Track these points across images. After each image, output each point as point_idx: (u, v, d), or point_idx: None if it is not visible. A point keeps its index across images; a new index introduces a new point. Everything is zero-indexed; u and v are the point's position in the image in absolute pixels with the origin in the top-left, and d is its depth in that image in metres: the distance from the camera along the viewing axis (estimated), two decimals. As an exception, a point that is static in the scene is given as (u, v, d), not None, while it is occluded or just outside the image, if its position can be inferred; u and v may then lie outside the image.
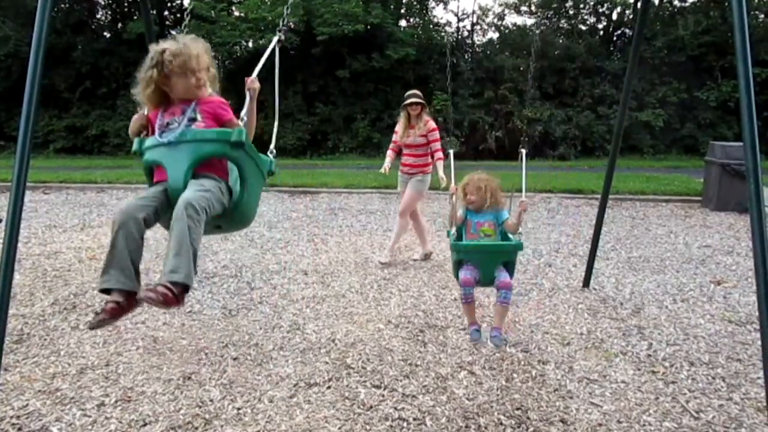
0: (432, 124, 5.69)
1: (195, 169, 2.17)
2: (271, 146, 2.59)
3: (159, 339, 3.87)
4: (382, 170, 5.73)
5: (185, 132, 2.17)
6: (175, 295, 1.88)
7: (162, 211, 2.13)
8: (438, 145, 5.64)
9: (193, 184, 2.10)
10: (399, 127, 5.79)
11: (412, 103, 5.58)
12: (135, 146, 2.28)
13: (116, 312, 1.95)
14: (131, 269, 1.99)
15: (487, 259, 3.28)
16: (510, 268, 3.37)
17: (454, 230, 3.52)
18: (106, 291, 2.00)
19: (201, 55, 2.25)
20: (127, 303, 1.98)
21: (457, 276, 3.43)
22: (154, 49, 2.21)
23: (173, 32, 22.20)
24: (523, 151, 3.95)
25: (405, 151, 5.76)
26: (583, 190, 10.41)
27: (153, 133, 2.24)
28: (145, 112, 2.30)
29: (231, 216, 2.33)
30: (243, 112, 2.42)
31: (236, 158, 2.25)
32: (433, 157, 5.68)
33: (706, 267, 5.77)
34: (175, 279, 1.90)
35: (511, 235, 3.47)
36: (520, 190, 3.65)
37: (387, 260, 5.76)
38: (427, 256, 5.95)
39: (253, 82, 2.42)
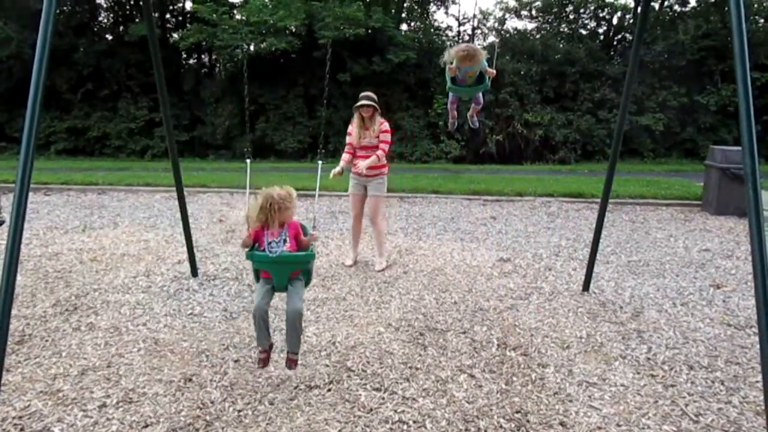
0: (385, 126, 5.57)
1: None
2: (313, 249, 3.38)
3: (160, 341, 3.89)
4: (334, 174, 5.42)
5: (283, 254, 3.16)
6: (295, 361, 3.26)
7: (271, 297, 3.26)
8: (386, 146, 5.54)
9: (294, 292, 3.20)
10: (354, 129, 5.60)
11: (363, 105, 5.46)
12: (247, 256, 3.21)
13: (266, 359, 3.26)
14: (268, 334, 3.23)
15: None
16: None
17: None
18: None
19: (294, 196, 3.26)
20: (269, 348, 3.29)
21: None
22: (267, 193, 3.18)
23: (175, 35, 22.27)
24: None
25: (360, 153, 5.60)
26: (584, 193, 10.42)
27: (260, 244, 3.20)
28: (250, 229, 3.24)
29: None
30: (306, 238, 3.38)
31: (308, 265, 3.35)
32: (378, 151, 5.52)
33: (706, 271, 5.78)
34: (296, 352, 3.25)
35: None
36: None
37: (383, 266, 5.77)
38: (376, 267, 5.76)
39: (314, 236, 3.40)
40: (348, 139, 5.68)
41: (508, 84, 19.59)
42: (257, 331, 3.19)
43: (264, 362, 3.27)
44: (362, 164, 5.47)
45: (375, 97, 5.59)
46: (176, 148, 5.05)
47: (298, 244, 3.28)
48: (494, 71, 4.06)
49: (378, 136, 5.56)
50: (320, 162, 4.08)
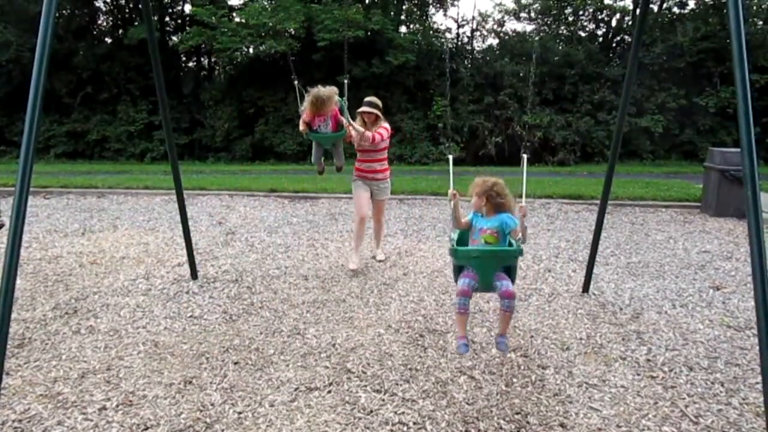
0: (386, 124, 5.55)
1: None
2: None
3: (160, 343, 3.89)
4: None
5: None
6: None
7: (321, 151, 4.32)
8: (378, 134, 5.36)
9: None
10: (353, 131, 5.45)
11: (365, 112, 5.47)
12: (309, 135, 4.31)
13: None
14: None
15: (487, 265, 3.23)
16: (511, 273, 3.32)
17: (454, 235, 3.49)
18: None
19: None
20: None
21: (457, 281, 3.40)
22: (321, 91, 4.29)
23: (174, 38, 22.29)
24: (525, 156, 3.90)
25: (363, 157, 5.63)
26: (583, 195, 10.43)
27: (312, 125, 4.40)
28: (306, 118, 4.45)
29: None
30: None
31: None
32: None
33: (705, 272, 5.79)
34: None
35: (513, 242, 3.38)
36: (521, 195, 3.61)
37: (383, 256, 6.17)
38: (378, 257, 6.20)
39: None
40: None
41: (506, 86, 19.62)
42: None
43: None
44: (348, 121, 5.09)
45: (379, 103, 5.54)
46: (176, 150, 5.05)
47: (337, 124, 4.85)
48: (526, 233, 3.39)
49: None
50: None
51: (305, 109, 4.83)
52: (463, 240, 3.48)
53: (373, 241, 6.35)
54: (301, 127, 4.90)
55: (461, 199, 3.40)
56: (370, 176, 5.68)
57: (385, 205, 6.03)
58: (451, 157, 4.05)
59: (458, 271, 3.36)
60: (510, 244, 3.35)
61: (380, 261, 6.11)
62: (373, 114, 5.50)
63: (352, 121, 5.09)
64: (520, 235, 3.26)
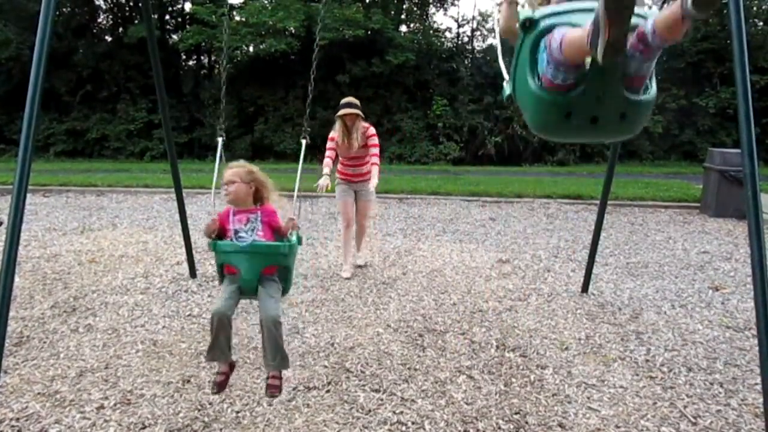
0: (371, 131, 5.40)
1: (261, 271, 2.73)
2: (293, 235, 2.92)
3: (158, 342, 3.88)
4: (321, 188, 5.10)
5: (254, 243, 2.72)
6: (278, 386, 2.70)
7: (237, 301, 2.76)
8: (376, 150, 5.38)
9: (266, 295, 2.68)
10: (337, 136, 5.39)
11: (347, 114, 5.27)
12: (210, 247, 2.73)
13: (223, 381, 2.74)
14: (227, 349, 2.67)
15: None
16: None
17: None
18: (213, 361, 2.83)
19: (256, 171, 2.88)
20: (228, 369, 2.78)
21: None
22: (228, 169, 2.89)
23: (174, 36, 22.30)
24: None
25: (347, 162, 5.49)
26: (582, 195, 10.43)
27: (225, 232, 2.78)
28: (216, 217, 2.80)
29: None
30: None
31: (287, 260, 2.85)
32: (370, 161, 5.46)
33: (705, 273, 5.78)
34: (278, 372, 2.72)
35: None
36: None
37: (363, 262, 5.89)
38: (357, 262, 5.85)
39: (294, 222, 2.91)
40: (330, 144, 5.41)
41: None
42: (212, 341, 2.59)
43: (221, 386, 2.69)
44: (375, 182, 5.25)
45: (357, 102, 5.39)
46: (175, 149, 5.05)
47: (275, 233, 2.78)
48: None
49: (365, 145, 5.37)
50: (304, 141, 3.58)
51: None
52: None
53: (355, 242, 5.84)
54: (207, 229, 2.83)
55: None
56: (356, 180, 5.54)
57: (370, 208, 5.79)
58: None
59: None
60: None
61: (360, 267, 5.77)
62: (354, 114, 5.28)
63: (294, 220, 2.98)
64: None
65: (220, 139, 3.35)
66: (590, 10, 2.00)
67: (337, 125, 5.40)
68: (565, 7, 2.22)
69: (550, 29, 2.14)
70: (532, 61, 2.25)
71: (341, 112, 5.29)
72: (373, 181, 5.27)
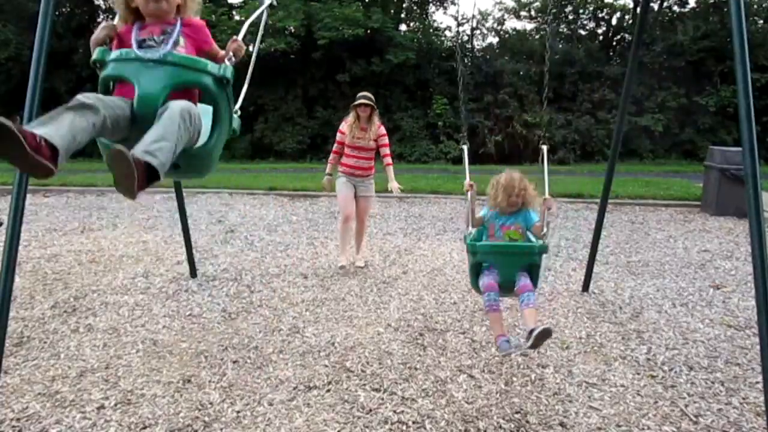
0: (382, 129, 5.66)
1: (169, 96, 2.03)
2: (236, 107, 2.49)
3: (159, 342, 3.88)
4: (325, 183, 5.67)
5: (169, 54, 2.04)
6: (138, 174, 1.77)
7: (120, 125, 1.99)
8: (388, 150, 5.65)
9: (175, 102, 1.97)
10: (346, 128, 5.59)
11: (361, 104, 5.48)
12: (97, 55, 2.09)
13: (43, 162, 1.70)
14: (68, 139, 1.80)
15: (508, 262, 3.04)
16: (534, 274, 3.10)
17: (471, 230, 3.31)
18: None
19: None
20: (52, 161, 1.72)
21: (475, 285, 3.21)
22: None
23: None
24: (544, 147, 3.66)
25: (352, 153, 5.58)
26: (583, 194, 10.42)
27: (121, 47, 2.09)
28: (115, 22, 2.15)
29: (194, 158, 2.20)
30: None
31: (215, 96, 2.15)
32: (383, 162, 5.71)
33: (705, 271, 5.78)
34: (152, 162, 1.84)
35: (533, 238, 3.22)
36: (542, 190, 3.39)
37: (363, 263, 5.84)
38: (357, 264, 5.80)
39: (237, 44, 2.38)
40: (338, 138, 5.65)
41: (506, 84, 19.60)
42: (50, 116, 1.84)
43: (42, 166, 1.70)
44: (394, 185, 5.54)
45: (372, 97, 5.63)
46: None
47: (203, 53, 2.25)
48: (549, 209, 3.25)
49: (376, 140, 5.58)
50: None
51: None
52: (480, 240, 3.30)
53: (354, 241, 5.91)
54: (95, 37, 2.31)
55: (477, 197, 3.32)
56: (358, 173, 5.62)
57: (370, 204, 5.89)
58: (465, 147, 3.78)
59: (475, 272, 3.18)
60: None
61: (360, 267, 5.73)
62: (369, 107, 5.52)
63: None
64: (544, 230, 3.10)
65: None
66: None
67: (350, 116, 5.62)
68: None
69: None
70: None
71: (356, 102, 5.54)
72: (394, 185, 5.54)
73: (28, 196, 2.57)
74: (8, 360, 3.50)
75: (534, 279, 3.11)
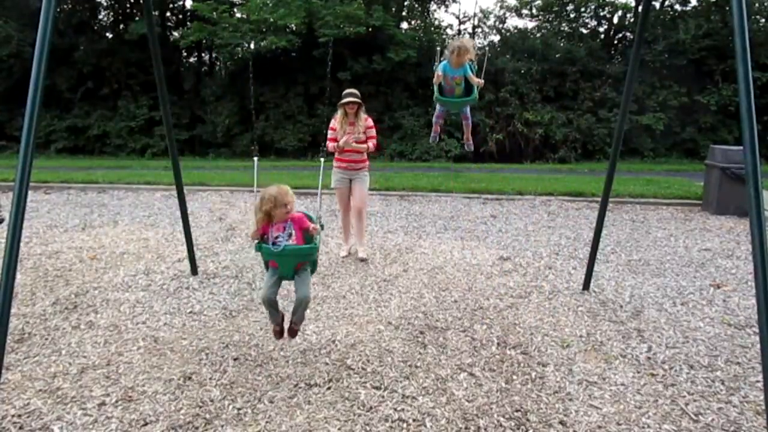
0: (370, 122, 5.94)
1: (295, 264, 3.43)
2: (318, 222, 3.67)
3: (160, 339, 3.88)
4: (348, 140, 5.76)
5: (286, 248, 3.33)
6: (297, 331, 3.58)
7: (278, 287, 3.48)
8: (374, 140, 5.95)
9: (301, 281, 3.42)
10: (336, 125, 5.86)
11: (349, 103, 5.70)
12: (256, 248, 3.39)
13: (279, 331, 3.56)
14: (277, 313, 3.49)
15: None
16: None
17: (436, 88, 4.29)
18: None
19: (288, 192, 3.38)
20: (281, 321, 3.54)
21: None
22: (263, 193, 3.37)
23: (175, 33, 22.25)
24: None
25: (348, 157, 5.92)
26: (584, 193, 10.42)
27: (268, 238, 3.37)
28: (258, 227, 3.41)
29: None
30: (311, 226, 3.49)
31: (312, 255, 3.51)
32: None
33: (706, 270, 5.78)
34: (298, 324, 3.55)
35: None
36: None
37: (365, 255, 6.03)
38: (360, 255, 6.02)
39: (316, 230, 3.46)
40: (330, 134, 5.90)
41: (508, 83, 19.57)
42: (269, 313, 3.50)
43: (279, 334, 3.59)
44: (344, 139, 5.70)
45: (358, 93, 5.87)
46: (176, 146, 5.04)
47: (304, 235, 3.47)
48: (481, 81, 4.20)
49: (364, 132, 5.84)
50: (322, 159, 4.34)
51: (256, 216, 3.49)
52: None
53: (355, 236, 6.14)
54: (252, 236, 3.53)
55: None
56: (352, 167, 5.95)
57: (366, 196, 6.08)
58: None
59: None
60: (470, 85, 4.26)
61: (363, 260, 5.91)
62: (356, 104, 5.75)
63: (318, 223, 3.71)
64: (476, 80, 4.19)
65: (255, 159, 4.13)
66: None
67: (339, 114, 5.86)
68: None
69: None
70: None
71: (343, 101, 5.74)
72: (345, 138, 5.72)
73: (30, 192, 2.58)
74: (9, 356, 3.51)
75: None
